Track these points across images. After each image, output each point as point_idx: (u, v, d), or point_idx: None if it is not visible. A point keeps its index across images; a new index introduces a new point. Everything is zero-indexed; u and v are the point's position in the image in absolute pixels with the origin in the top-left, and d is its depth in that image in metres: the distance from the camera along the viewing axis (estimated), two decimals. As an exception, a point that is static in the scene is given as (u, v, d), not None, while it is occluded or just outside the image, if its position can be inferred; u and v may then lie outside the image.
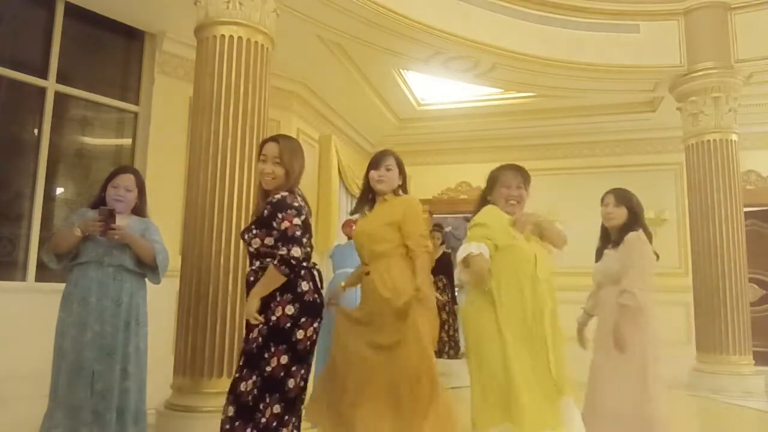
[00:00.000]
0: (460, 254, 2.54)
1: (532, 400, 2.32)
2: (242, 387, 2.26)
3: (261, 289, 2.27)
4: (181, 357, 3.54)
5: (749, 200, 6.79)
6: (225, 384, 3.43)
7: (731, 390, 5.38)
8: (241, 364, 2.32)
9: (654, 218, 8.09)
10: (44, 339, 2.83)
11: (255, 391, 2.25)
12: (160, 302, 3.60)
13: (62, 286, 2.73)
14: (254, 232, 2.35)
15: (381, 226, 2.66)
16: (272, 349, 2.26)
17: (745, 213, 6.14)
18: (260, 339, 2.28)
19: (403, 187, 2.84)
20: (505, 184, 2.65)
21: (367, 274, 2.68)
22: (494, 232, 2.51)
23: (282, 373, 2.27)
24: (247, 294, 2.35)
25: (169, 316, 4.50)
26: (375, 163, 2.79)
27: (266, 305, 2.29)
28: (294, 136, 6.79)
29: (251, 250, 2.38)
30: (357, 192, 8.28)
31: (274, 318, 2.27)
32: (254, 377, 2.26)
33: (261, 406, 2.25)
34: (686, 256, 7.09)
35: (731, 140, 5.90)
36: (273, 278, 2.24)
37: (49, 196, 4.74)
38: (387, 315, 2.55)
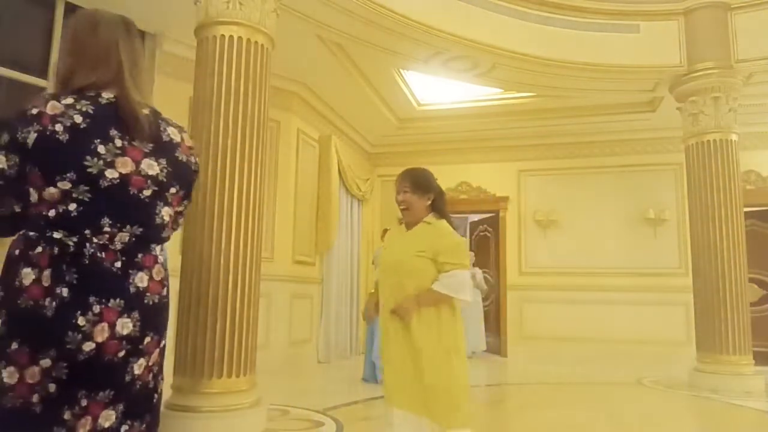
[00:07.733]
0: None
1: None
2: None
3: None
4: (181, 357, 3.54)
5: (749, 200, 6.78)
6: (225, 384, 3.46)
7: (731, 390, 5.37)
8: None
9: (654, 218, 8.10)
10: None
11: None
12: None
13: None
14: None
15: None
16: None
17: (745, 213, 6.13)
18: None
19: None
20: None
21: None
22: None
23: None
24: None
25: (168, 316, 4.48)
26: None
27: None
28: (294, 136, 6.84)
29: None
30: (357, 192, 8.39)
31: None
32: None
33: None
34: (686, 256, 7.09)
35: (731, 140, 5.89)
36: None
37: (49, 196, 4.73)
38: None
